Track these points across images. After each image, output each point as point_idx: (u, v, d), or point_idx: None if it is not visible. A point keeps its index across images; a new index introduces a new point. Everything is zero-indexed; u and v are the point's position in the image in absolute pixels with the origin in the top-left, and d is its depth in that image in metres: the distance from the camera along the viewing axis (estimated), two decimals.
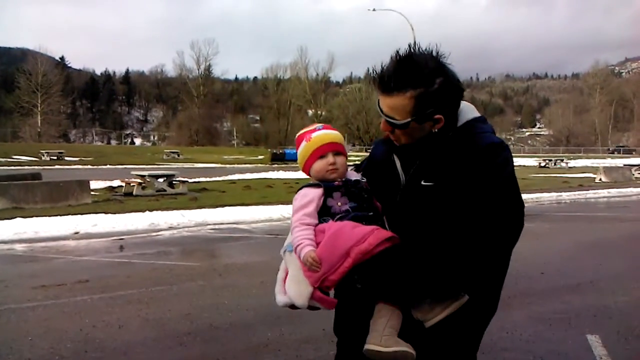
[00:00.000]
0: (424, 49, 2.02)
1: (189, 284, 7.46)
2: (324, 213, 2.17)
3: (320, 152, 2.25)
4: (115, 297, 6.80)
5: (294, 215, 2.18)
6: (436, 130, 2.06)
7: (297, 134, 2.37)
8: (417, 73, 1.96)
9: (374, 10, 43.58)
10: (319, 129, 2.31)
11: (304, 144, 2.30)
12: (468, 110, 2.17)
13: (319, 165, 2.25)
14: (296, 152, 2.35)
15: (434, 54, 2.02)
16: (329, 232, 2.06)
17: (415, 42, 2.03)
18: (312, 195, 2.18)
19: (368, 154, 2.56)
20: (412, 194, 2.15)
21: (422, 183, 2.10)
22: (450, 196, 2.02)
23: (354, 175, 2.31)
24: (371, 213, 2.18)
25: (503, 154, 2.04)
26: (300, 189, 2.27)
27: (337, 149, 2.26)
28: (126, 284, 7.46)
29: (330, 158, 2.24)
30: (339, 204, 2.17)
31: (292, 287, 2.08)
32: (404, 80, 1.97)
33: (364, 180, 2.28)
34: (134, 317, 6.00)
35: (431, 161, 2.11)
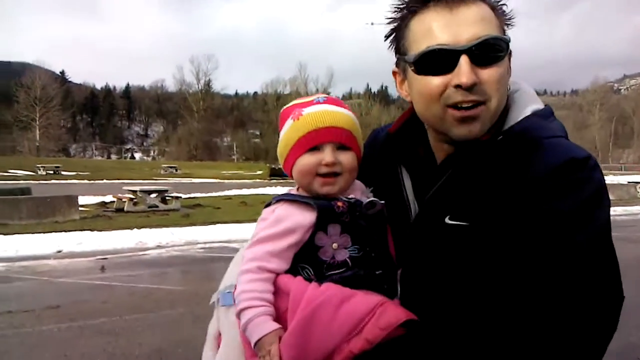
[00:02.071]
0: None
1: (167, 312, 6.87)
2: (305, 257, 1.39)
3: (311, 141, 1.42)
4: (85, 326, 6.21)
5: (252, 245, 1.40)
6: (509, 87, 1.39)
7: (283, 108, 1.56)
8: None
9: (372, 24, 43.27)
10: (318, 102, 1.48)
11: (289, 123, 1.47)
12: (526, 96, 1.42)
13: (305, 162, 1.42)
14: None
15: None
16: (302, 313, 1.27)
17: None
18: (293, 222, 1.38)
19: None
20: (428, 238, 1.38)
21: (447, 221, 1.33)
22: (496, 249, 1.23)
23: (363, 192, 1.51)
24: (380, 271, 1.41)
25: (592, 180, 1.22)
26: (275, 201, 1.46)
27: (341, 139, 1.43)
28: (99, 311, 6.87)
29: (327, 154, 1.41)
30: (335, 246, 1.37)
31: None
32: None
33: (381, 202, 1.44)
34: (99, 352, 5.41)
35: (463, 184, 1.34)
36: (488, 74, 1.27)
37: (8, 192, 17.82)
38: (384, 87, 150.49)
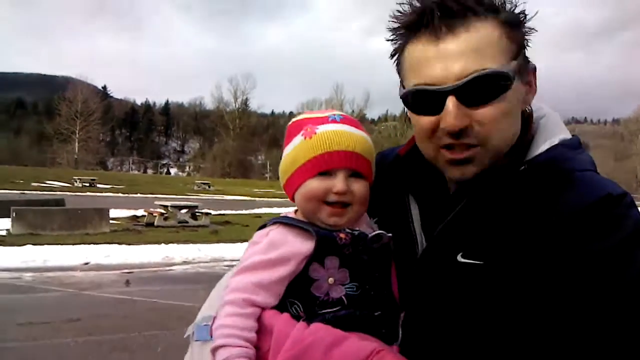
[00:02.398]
0: None
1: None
2: (295, 290, 1.22)
3: (323, 165, 1.25)
4: (102, 341, 6.11)
5: (239, 273, 1.23)
6: (527, 111, 1.23)
7: (292, 120, 1.37)
8: None
9: None
10: (334, 120, 1.30)
11: (298, 139, 1.30)
12: (552, 124, 1.27)
13: (313, 187, 1.25)
14: None
15: None
16: (285, 355, 1.11)
17: None
18: (288, 250, 1.21)
19: None
20: (436, 277, 1.21)
21: (460, 259, 1.17)
22: (519, 292, 1.08)
23: (367, 223, 1.35)
24: (379, 312, 1.24)
25: (630, 217, 1.07)
26: (270, 224, 1.30)
27: (356, 166, 1.27)
28: (118, 327, 6.77)
29: (339, 181, 1.24)
30: (331, 281, 1.21)
31: None
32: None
33: (388, 235, 1.28)
34: None
35: (479, 217, 1.18)
36: (483, 114, 1.11)
37: (42, 203, 18.13)
38: None
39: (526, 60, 1.17)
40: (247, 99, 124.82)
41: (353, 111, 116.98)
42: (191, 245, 14.18)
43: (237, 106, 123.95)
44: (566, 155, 1.19)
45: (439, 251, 1.22)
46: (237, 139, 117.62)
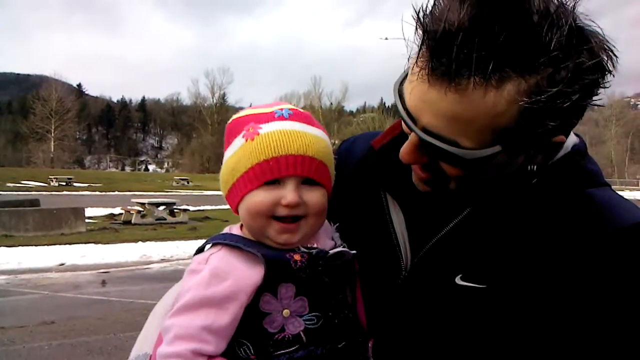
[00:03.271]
0: None
1: None
2: (246, 328, 1.03)
3: (268, 173, 1.05)
4: (77, 344, 6.02)
5: (181, 313, 1.02)
6: (534, 169, 1.02)
7: (232, 118, 1.16)
8: (534, 39, 0.84)
9: (386, 39, 43.21)
10: (281, 117, 1.09)
11: (238, 142, 1.09)
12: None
13: (258, 201, 1.06)
14: None
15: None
16: None
17: None
18: (235, 282, 1.01)
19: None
20: (425, 300, 1.07)
21: (458, 281, 1.03)
22: (525, 323, 0.97)
23: (327, 233, 1.17)
24: (343, 343, 1.07)
25: None
26: (207, 246, 1.11)
27: (309, 173, 1.07)
28: (94, 328, 6.68)
29: (289, 191, 1.05)
30: (286, 313, 1.03)
31: None
32: (504, 53, 0.84)
33: (352, 253, 1.11)
34: None
35: (485, 231, 1.03)
36: (443, 166, 0.99)
37: (18, 204, 17.78)
38: None
39: (551, 133, 0.93)
40: (224, 94, 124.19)
41: (332, 103, 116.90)
42: (169, 243, 14.04)
43: (214, 101, 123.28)
44: (580, 165, 1.06)
45: (433, 270, 1.06)
46: (215, 134, 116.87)
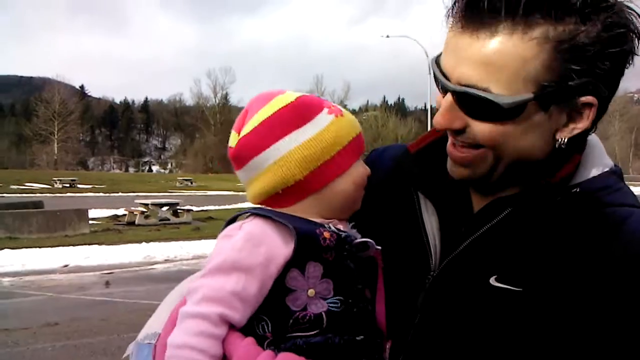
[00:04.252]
0: None
1: None
2: (268, 303, 1.00)
3: (361, 146, 1.13)
4: (80, 345, 6.03)
5: (212, 274, 0.99)
6: (563, 143, 1.00)
7: (299, 96, 1.12)
8: None
9: (387, 37, 43.11)
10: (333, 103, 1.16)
11: (327, 119, 1.09)
12: (599, 149, 1.11)
13: (362, 172, 1.12)
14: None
15: None
16: None
17: None
18: (269, 249, 1.00)
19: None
20: (457, 302, 1.05)
21: (493, 282, 1.01)
22: (561, 329, 0.96)
23: (345, 225, 1.14)
24: (361, 337, 1.04)
25: None
26: (241, 216, 1.10)
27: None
28: (98, 329, 6.69)
29: (364, 166, 1.15)
30: (311, 292, 1.00)
31: None
32: None
33: (377, 248, 1.09)
34: None
35: (524, 232, 1.02)
36: (478, 126, 0.98)
37: (21, 206, 17.83)
38: (400, 99, 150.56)
39: (580, 89, 0.93)
40: (227, 94, 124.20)
41: (334, 102, 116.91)
42: (173, 243, 14.05)
43: (217, 101, 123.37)
44: (619, 186, 1.06)
45: (465, 271, 1.05)
46: (218, 134, 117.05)
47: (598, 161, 1.07)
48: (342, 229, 1.06)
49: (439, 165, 1.11)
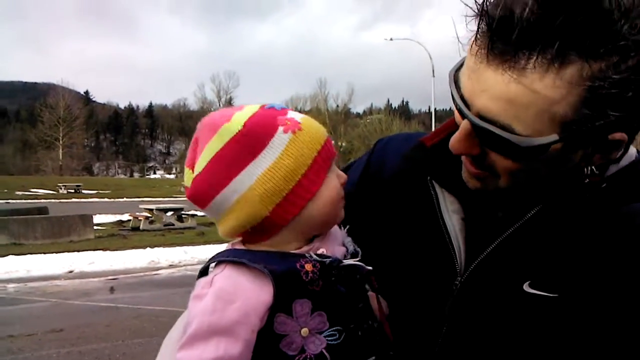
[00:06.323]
0: None
1: None
2: (262, 354, 0.93)
3: (330, 155, 1.02)
4: (85, 351, 6.01)
5: (189, 346, 0.90)
6: (591, 171, 0.96)
7: (236, 131, 0.98)
8: (606, 22, 0.78)
9: (391, 39, 43.00)
10: (276, 107, 1.03)
11: (283, 138, 0.97)
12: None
13: (336, 186, 1.02)
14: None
15: None
16: None
17: None
18: (241, 305, 0.91)
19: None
20: (486, 309, 0.99)
21: (527, 289, 0.95)
22: (599, 337, 0.91)
23: (338, 244, 1.07)
24: (372, 358, 0.98)
25: None
26: (210, 266, 1.00)
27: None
28: (102, 335, 6.68)
29: (338, 170, 1.06)
30: (305, 332, 0.93)
31: None
32: (569, 35, 0.78)
33: (368, 268, 1.02)
34: None
35: (559, 234, 0.96)
36: (495, 157, 0.92)
37: (26, 212, 17.87)
38: (404, 102, 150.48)
39: (610, 127, 0.85)
40: (230, 98, 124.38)
41: (337, 106, 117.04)
42: (177, 248, 14.05)
43: (221, 105, 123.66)
44: None
45: (496, 275, 0.99)
46: None
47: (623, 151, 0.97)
48: (325, 252, 0.98)
49: (458, 159, 1.03)
